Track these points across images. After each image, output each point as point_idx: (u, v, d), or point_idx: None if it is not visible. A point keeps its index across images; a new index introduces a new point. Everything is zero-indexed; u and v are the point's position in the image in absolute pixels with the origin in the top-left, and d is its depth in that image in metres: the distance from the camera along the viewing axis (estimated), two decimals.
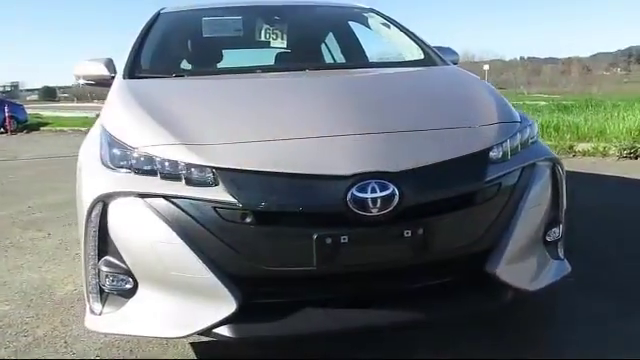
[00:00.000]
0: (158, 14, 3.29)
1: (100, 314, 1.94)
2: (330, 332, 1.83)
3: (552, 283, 2.09)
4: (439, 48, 3.21)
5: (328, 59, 3.66)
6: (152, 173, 1.85)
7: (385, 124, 1.97)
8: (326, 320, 1.80)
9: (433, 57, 3.04)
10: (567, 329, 2.35)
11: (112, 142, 1.99)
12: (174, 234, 1.76)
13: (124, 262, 1.86)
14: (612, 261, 3.09)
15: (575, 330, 2.33)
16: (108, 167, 1.95)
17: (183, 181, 1.80)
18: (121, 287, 1.89)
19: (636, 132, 6.72)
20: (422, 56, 3.07)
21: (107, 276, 1.90)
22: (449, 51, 3.26)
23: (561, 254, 2.21)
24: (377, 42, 3.50)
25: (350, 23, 3.66)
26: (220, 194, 1.75)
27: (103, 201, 1.87)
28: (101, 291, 1.94)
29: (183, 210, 1.77)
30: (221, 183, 1.76)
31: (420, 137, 1.94)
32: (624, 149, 6.11)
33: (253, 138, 1.88)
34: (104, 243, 1.89)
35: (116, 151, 1.95)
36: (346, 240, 1.72)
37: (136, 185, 1.84)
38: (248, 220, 1.73)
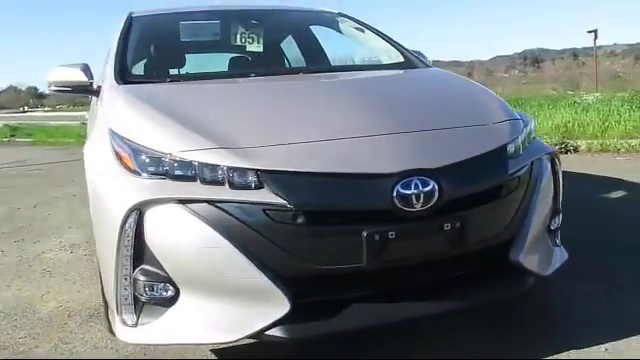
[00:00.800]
0: (131, 18, 3.21)
1: (136, 325, 1.89)
2: (377, 326, 1.88)
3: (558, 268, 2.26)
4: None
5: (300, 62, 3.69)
6: (190, 178, 1.83)
7: (411, 124, 2.05)
8: (373, 315, 1.85)
9: (413, 60, 3.16)
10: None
11: (138, 149, 1.94)
12: (223, 238, 1.75)
13: (164, 270, 1.83)
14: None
15: None
16: (136, 174, 1.90)
17: (226, 185, 1.79)
18: (161, 296, 1.85)
19: (563, 129, 7.26)
20: (402, 59, 3.18)
21: (145, 286, 1.85)
22: (421, 55, 3.40)
23: (559, 242, 2.38)
24: (354, 46, 3.57)
25: (322, 27, 3.72)
26: (268, 196, 1.76)
27: (139, 209, 1.82)
28: (135, 302, 1.89)
29: (230, 214, 1.77)
30: (266, 185, 1.77)
31: (447, 135, 2.04)
32: (555, 145, 6.58)
33: (292, 140, 1.90)
34: (140, 252, 1.85)
35: (145, 158, 1.90)
36: (393, 236, 1.79)
37: (175, 191, 1.82)
38: (299, 221, 1.76)
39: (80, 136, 15.22)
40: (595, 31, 23.16)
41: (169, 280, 1.83)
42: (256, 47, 3.45)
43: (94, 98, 3.79)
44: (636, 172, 5.30)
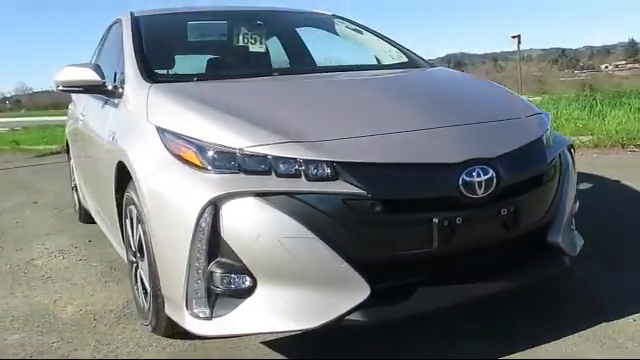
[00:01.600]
0: (136, 18, 3.19)
1: (210, 318, 1.92)
2: (445, 308, 2.00)
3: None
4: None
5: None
6: (265, 172, 1.88)
7: (460, 117, 2.19)
8: (441, 297, 1.97)
9: (416, 59, 3.32)
10: None
11: (203, 146, 1.97)
12: (304, 228, 1.82)
13: (241, 262, 1.87)
14: None
15: None
16: (205, 170, 1.94)
17: (303, 177, 1.86)
18: (238, 287, 1.90)
19: None
20: (405, 59, 3.33)
21: (221, 278, 1.89)
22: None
23: (574, 226, 2.59)
24: (353, 46, 3.68)
25: (320, 28, 3.82)
26: (344, 187, 1.85)
27: (215, 204, 1.86)
28: (209, 295, 1.92)
29: (310, 205, 1.83)
30: (341, 176, 1.85)
31: (493, 127, 2.20)
32: None
33: (359, 134, 2.00)
34: (215, 246, 1.88)
35: (213, 154, 1.94)
36: (460, 221, 1.92)
37: (251, 184, 1.87)
38: (377, 209, 1.85)
39: (13, 142, 14.58)
40: (518, 36, 24.39)
41: (246, 271, 1.88)
42: (259, 47, 3.50)
43: (80, 102, 3.73)
44: (591, 165, 5.67)
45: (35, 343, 2.50)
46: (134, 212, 2.36)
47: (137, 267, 2.49)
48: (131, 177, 2.40)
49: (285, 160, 1.88)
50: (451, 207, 1.92)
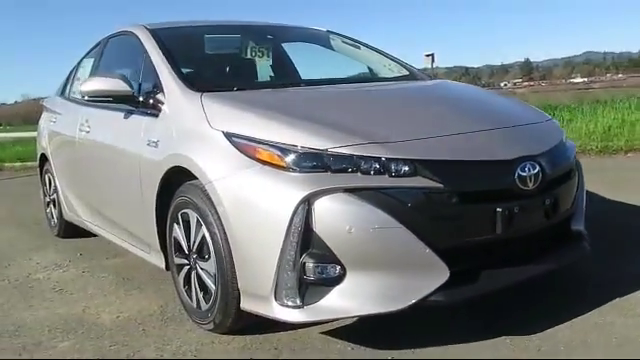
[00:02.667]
0: (153, 30, 3.28)
1: (302, 306, 2.08)
2: (506, 287, 2.27)
3: None
4: None
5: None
6: (351, 170, 2.08)
7: (499, 121, 2.50)
8: (504, 277, 2.24)
9: (415, 72, 3.62)
10: None
11: (287, 148, 2.14)
12: (392, 219, 2.03)
13: (332, 252, 2.05)
14: None
15: None
16: (292, 170, 2.11)
17: (387, 174, 2.08)
18: (328, 276, 2.07)
19: None
20: (406, 72, 3.62)
21: (313, 268, 2.06)
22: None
23: None
24: (349, 60, 3.92)
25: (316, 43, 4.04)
26: (423, 182, 2.08)
27: (307, 200, 2.03)
28: (300, 284, 2.08)
29: (395, 198, 2.05)
30: (420, 172, 2.09)
31: (528, 129, 2.52)
32: None
33: (425, 135, 2.25)
34: (307, 239, 2.05)
35: (299, 155, 2.12)
36: (517, 210, 2.20)
37: (339, 181, 2.06)
38: (451, 201, 2.10)
39: None
40: (432, 55, 25.73)
41: (337, 261, 2.06)
42: (265, 60, 3.68)
43: (72, 113, 3.74)
44: None
45: (91, 348, 2.53)
46: (193, 215, 2.47)
47: (190, 269, 2.58)
48: (183, 182, 2.52)
49: (370, 159, 2.09)
50: (510, 198, 2.20)
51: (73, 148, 3.93)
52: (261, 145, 2.21)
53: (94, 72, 3.82)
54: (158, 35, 3.20)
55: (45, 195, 4.94)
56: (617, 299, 2.59)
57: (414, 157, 2.10)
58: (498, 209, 2.16)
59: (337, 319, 2.19)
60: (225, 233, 2.28)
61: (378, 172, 2.08)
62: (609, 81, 76.47)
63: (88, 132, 3.61)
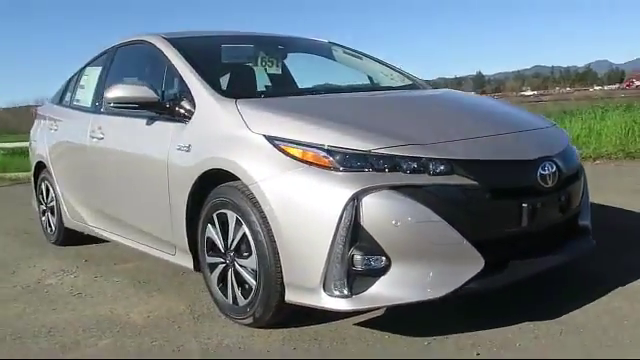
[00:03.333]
0: (173, 40, 3.40)
1: (349, 296, 2.24)
2: (530, 276, 2.47)
3: None
4: None
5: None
6: (394, 169, 2.26)
7: (515, 125, 2.73)
8: (529, 267, 2.45)
9: (417, 81, 3.84)
10: None
11: (332, 150, 2.31)
12: (433, 213, 2.21)
13: (378, 245, 2.22)
14: None
15: None
16: (338, 170, 2.28)
17: (426, 173, 2.27)
18: (374, 267, 2.24)
19: None
20: (409, 81, 3.83)
21: (361, 260, 2.23)
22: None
23: None
24: (352, 70, 4.11)
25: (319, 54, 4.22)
26: (459, 179, 2.28)
27: (355, 198, 2.20)
28: (348, 275, 2.24)
29: (435, 195, 2.24)
30: (456, 171, 2.29)
31: (541, 133, 2.76)
32: None
33: (456, 137, 2.44)
34: (355, 233, 2.22)
35: (344, 156, 2.29)
36: (539, 206, 2.42)
37: (384, 180, 2.24)
38: (485, 197, 2.30)
39: None
40: None
41: (382, 252, 2.22)
42: (275, 69, 3.84)
43: (80, 121, 3.83)
44: None
45: (133, 344, 2.61)
46: (232, 215, 2.60)
47: (226, 267, 2.70)
48: (217, 184, 2.65)
49: (410, 159, 2.27)
50: (533, 194, 2.42)
51: (82, 155, 3.98)
52: (306, 147, 2.37)
53: (106, 80, 3.88)
54: (179, 44, 3.31)
55: (41, 203, 4.93)
56: (619, 287, 2.83)
57: (450, 157, 2.30)
58: (524, 204, 2.37)
59: (382, 307, 2.34)
60: (269, 231, 2.41)
61: (418, 171, 2.26)
62: (558, 94, 79.49)
63: (102, 139, 3.68)
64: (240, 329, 2.66)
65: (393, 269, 2.24)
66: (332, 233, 2.22)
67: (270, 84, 3.70)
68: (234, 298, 2.69)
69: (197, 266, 2.98)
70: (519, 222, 2.39)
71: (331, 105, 2.93)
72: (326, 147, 2.33)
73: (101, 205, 3.87)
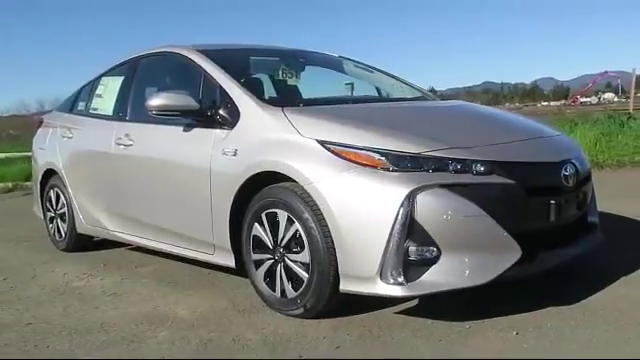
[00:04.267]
0: (206, 51, 3.61)
1: (404, 283, 2.49)
2: (557, 266, 2.78)
3: None
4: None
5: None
6: (443, 169, 2.54)
7: (534, 132, 3.06)
8: (555, 257, 2.76)
9: (425, 93, 4.15)
10: None
11: (387, 152, 2.57)
12: (479, 208, 2.50)
13: (430, 237, 2.49)
14: None
15: None
16: (392, 171, 2.54)
17: (469, 172, 2.55)
18: (427, 257, 2.50)
19: None
20: (419, 93, 4.14)
21: (415, 251, 2.49)
22: None
23: None
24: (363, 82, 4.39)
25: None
26: (499, 179, 2.57)
27: (411, 195, 2.46)
28: (404, 265, 2.49)
29: (480, 192, 2.53)
30: (496, 171, 2.58)
31: (558, 139, 3.10)
32: None
33: (494, 141, 2.76)
34: (410, 226, 2.48)
35: (398, 158, 2.55)
36: (563, 202, 2.74)
37: (435, 179, 2.51)
38: (521, 194, 2.60)
39: None
40: (352, 84, 26.90)
41: (434, 244, 2.49)
42: (295, 81, 4.08)
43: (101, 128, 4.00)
44: None
45: (192, 335, 2.77)
46: (283, 214, 2.81)
47: (274, 262, 2.91)
48: (264, 185, 2.88)
49: (456, 160, 2.55)
50: (558, 192, 2.74)
51: (104, 161, 4.10)
52: (359, 150, 2.62)
53: (131, 89, 4.05)
54: (213, 56, 3.52)
55: (48, 210, 5.00)
56: (623, 277, 3.18)
57: (490, 159, 2.59)
58: (551, 201, 2.69)
59: (433, 293, 2.60)
60: (323, 227, 2.64)
61: (462, 171, 2.55)
62: (507, 109, 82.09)
63: (131, 145, 3.82)
64: (289, 320, 2.86)
65: (443, 259, 2.50)
66: (389, 227, 2.46)
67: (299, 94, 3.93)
68: (282, 291, 2.89)
69: (237, 264, 3.17)
70: (548, 217, 2.70)
71: (369, 113, 3.20)
72: (380, 150, 2.58)
73: (126, 209, 4.00)
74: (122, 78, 4.29)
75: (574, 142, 3.26)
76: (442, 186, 2.50)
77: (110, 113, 4.24)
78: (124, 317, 3.10)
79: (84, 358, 2.53)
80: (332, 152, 2.67)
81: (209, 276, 3.75)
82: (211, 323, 2.93)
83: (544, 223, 2.72)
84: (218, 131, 3.20)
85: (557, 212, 2.71)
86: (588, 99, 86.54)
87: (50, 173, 4.91)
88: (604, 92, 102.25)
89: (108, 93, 4.42)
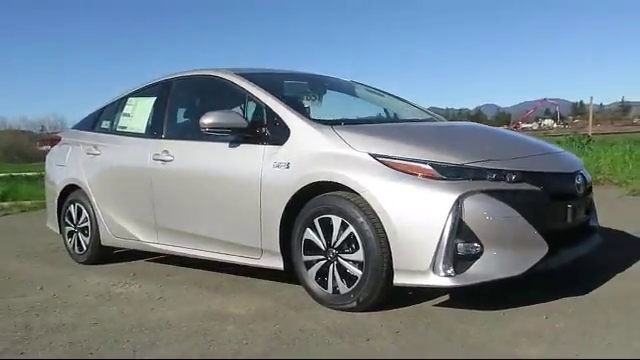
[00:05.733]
0: (243, 74, 3.99)
1: (453, 275, 2.91)
2: (572, 261, 3.25)
3: None
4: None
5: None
6: (482, 178, 2.99)
7: (541, 148, 3.57)
8: (570, 253, 3.24)
9: (433, 114, 4.64)
10: None
11: (435, 164, 3.01)
12: (514, 210, 2.95)
13: (475, 235, 2.92)
14: None
15: None
16: (441, 179, 2.97)
17: (504, 181, 3.01)
18: (472, 252, 2.93)
19: None
20: (427, 115, 4.62)
21: (463, 247, 2.91)
22: None
23: None
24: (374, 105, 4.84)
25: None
26: (528, 186, 3.04)
27: (459, 199, 2.90)
28: (453, 259, 2.91)
29: (514, 197, 2.99)
30: (525, 180, 3.05)
31: (564, 154, 3.61)
32: None
33: (520, 155, 3.26)
34: (459, 226, 2.91)
35: (446, 168, 2.99)
36: (576, 207, 3.24)
37: (477, 186, 2.96)
38: (545, 199, 3.08)
39: None
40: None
41: (477, 241, 2.92)
42: (318, 103, 4.49)
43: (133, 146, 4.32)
44: None
45: (258, 328, 3.09)
46: (337, 219, 3.20)
47: (327, 263, 3.27)
48: (316, 195, 3.26)
49: (493, 170, 3.01)
50: (573, 198, 3.24)
51: (139, 175, 4.36)
52: (409, 162, 3.05)
53: (167, 109, 4.38)
54: (254, 79, 3.91)
55: (67, 225, 5.18)
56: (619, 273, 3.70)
57: (521, 169, 3.07)
58: (569, 205, 3.19)
59: (477, 283, 3.01)
60: (377, 229, 3.04)
61: (498, 179, 3.01)
62: None
63: (170, 160, 4.12)
64: (341, 313, 3.20)
65: (485, 253, 2.94)
66: (441, 227, 2.89)
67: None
68: (334, 288, 3.26)
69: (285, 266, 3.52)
70: (565, 218, 3.19)
71: (407, 131, 3.65)
72: (428, 162, 3.02)
73: (164, 220, 4.27)
74: (153, 99, 4.59)
75: (576, 157, 3.80)
76: (483, 192, 2.95)
77: (143, 131, 4.53)
78: (185, 316, 3.37)
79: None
80: (384, 164, 3.09)
81: (246, 281, 4.05)
82: (270, 318, 3.25)
83: (563, 224, 3.21)
84: (268, 147, 3.56)
85: (573, 215, 3.21)
86: (529, 125, 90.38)
87: (71, 188, 5.11)
88: (544, 119, 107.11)
89: (138, 112, 4.71)
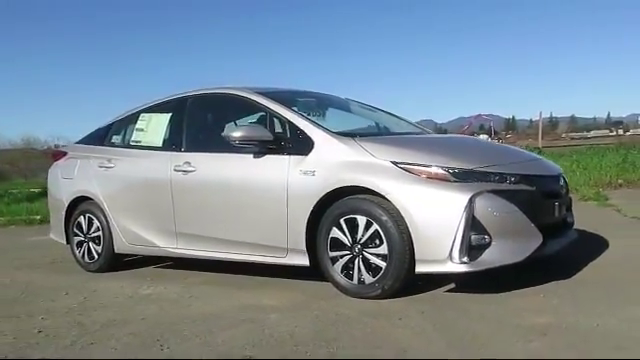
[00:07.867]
0: (259, 92, 4.45)
1: (468, 262, 3.44)
2: (558, 251, 3.85)
3: None
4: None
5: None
6: (489, 180, 3.56)
7: (530, 156, 4.19)
8: (556, 244, 3.83)
9: (422, 128, 5.21)
10: None
11: (448, 168, 3.55)
12: (515, 207, 3.52)
13: (484, 228, 3.46)
14: None
15: None
16: (455, 182, 3.52)
17: (505, 182, 3.59)
18: (482, 243, 3.47)
19: None
20: (417, 129, 5.18)
21: (475, 239, 3.45)
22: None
23: None
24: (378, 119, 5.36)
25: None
26: (524, 186, 3.63)
27: (471, 197, 3.45)
28: (467, 249, 3.45)
29: (514, 195, 3.56)
30: (522, 181, 3.64)
31: (544, 161, 4.25)
32: None
33: (515, 161, 3.84)
34: (471, 220, 3.45)
35: (459, 172, 3.53)
36: (561, 204, 3.86)
37: (485, 187, 3.52)
38: (539, 197, 3.68)
39: None
40: None
41: (487, 233, 3.47)
42: (322, 119, 4.96)
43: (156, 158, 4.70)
44: None
45: (300, 315, 3.49)
46: (362, 219, 3.68)
47: (352, 257, 3.74)
48: (340, 198, 3.74)
49: (496, 174, 3.58)
50: (558, 197, 3.86)
51: (159, 186, 4.70)
52: (425, 167, 3.57)
53: (184, 124, 4.76)
54: (273, 97, 4.36)
55: (76, 235, 5.42)
56: (591, 262, 4.34)
57: (518, 172, 3.65)
58: (555, 203, 3.80)
59: (488, 268, 3.54)
60: (399, 226, 3.53)
61: (501, 181, 3.58)
62: None
63: (193, 171, 4.50)
64: (366, 301, 3.65)
65: (493, 243, 3.48)
66: (457, 222, 3.42)
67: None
68: (359, 279, 3.73)
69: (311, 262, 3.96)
70: (553, 214, 3.80)
71: (418, 141, 4.19)
72: (443, 167, 3.56)
73: (185, 227, 4.61)
74: (169, 115, 4.95)
75: (554, 163, 4.45)
76: (490, 192, 3.51)
77: (159, 145, 4.88)
78: (225, 309, 3.73)
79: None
80: (405, 170, 3.60)
81: (263, 280, 4.44)
82: (303, 307, 3.66)
83: (551, 218, 3.81)
84: (293, 157, 4.01)
85: (558, 211, 3.82)
86: None
87: (81, 200, 5.36)
88: (479, 133, 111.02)
89: (151, 127, 5.05)
